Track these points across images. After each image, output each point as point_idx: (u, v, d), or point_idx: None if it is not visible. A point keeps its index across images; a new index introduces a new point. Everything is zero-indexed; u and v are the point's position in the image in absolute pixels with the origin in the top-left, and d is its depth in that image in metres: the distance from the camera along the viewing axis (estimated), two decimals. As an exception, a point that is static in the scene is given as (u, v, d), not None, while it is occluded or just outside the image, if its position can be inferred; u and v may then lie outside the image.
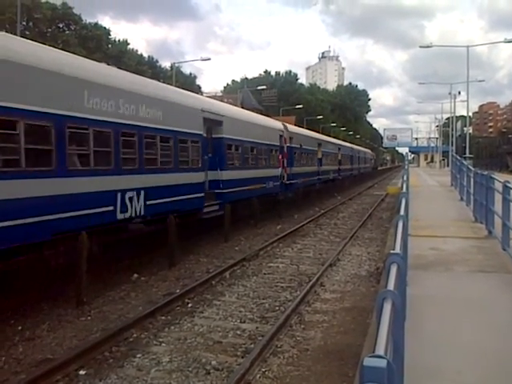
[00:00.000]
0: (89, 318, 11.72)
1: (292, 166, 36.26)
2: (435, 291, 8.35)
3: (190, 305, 12.72)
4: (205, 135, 21.62)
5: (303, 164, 40.50)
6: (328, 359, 9.39)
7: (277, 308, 12.51)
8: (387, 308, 3.39)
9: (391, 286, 3.88)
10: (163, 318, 11.64)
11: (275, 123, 35.28)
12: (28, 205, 11.20)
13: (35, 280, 12.03)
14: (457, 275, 9.34)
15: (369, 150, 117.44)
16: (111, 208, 14.39)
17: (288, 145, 35.60)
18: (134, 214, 15.50)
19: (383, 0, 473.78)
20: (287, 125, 36.98)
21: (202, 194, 20.59)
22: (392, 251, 4.94)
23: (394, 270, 4.37)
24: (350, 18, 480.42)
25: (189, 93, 24.03)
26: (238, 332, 10.77)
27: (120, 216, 14.83)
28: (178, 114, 18.96)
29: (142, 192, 15.93)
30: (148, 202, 16.25)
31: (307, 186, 40.96)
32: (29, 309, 11.83)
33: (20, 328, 10.87)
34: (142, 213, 16.04)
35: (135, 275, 15.35)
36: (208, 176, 21.93)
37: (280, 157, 33.47)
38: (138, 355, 9.44)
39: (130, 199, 15.33)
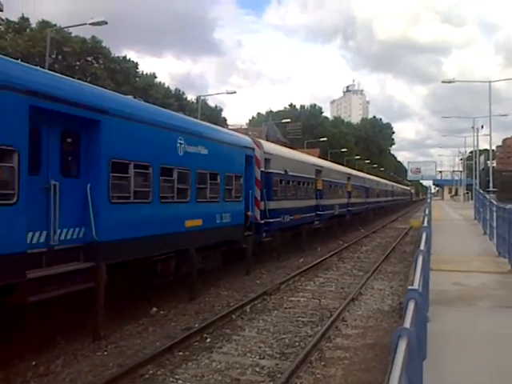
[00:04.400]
0: (105, 352, 11.55)
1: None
2: (457, 327, 8.14)
3: (208, 340, 12.51)
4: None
5: (366, 196, 58.15)
6: (348, 398, 9.16)
7: (297, 344, 12.25)
8: (402, 347, 3.25)
9: (407, 323, 3.75)
10: (181, 353, 11.44)
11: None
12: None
13: (51, 313, 11.91)
14: (480, 311, 9.12)
15: (408, 188, 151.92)
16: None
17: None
18: None
19: (399, 37, 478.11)
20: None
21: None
22: (410, 287, 4.81)
23: (411, 306, 4.24)
24: (368, 54, 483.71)
25: None
26: (257, 369, 10.54)
27: None
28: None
29: None
30: None
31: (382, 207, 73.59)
32: (44, 343, 11.62)
33: (34, 363, 10.65)
34: None
35: (154, 309, 15.20)
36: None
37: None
38: (154, 392, 9.28)
39: None
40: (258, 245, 23.89)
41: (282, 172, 26.98)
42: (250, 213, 22.12)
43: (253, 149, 23.39)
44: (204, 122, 24.13)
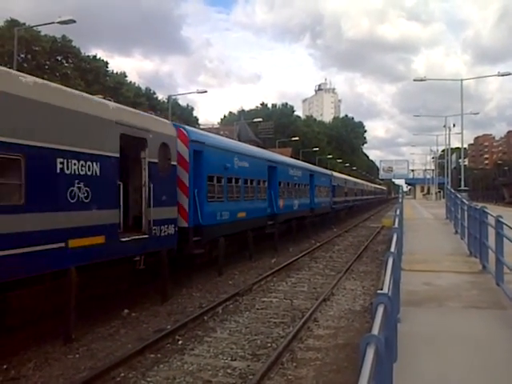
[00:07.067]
0: (77, 355, 11.45)
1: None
2: (428, 328, 8.18)
3: (180, 342, 12.47)
4: None
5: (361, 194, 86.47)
6: (319, 399, 9.18)
7: (269, 345, 12.27)
8: (370, 355, 3.24)
9: (376, 330, 3.74)
10: (152, 355, 11.38)
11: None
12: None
13: (23, 316, 11.76)
14: (450, 311, 9.17)
15: (384, 187, 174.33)
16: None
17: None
18: None
19: (367, 35, 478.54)
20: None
21: None
22: (379, 291, 4.80)
23: (380, 311, 4.22)
24: (336, 53, 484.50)
25: None
26: (229, 370, 10.53)
27: None
28: None
29: None
30: None
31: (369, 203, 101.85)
32: (15, 346, 11.47)
33: (5, 367, 10.55)
34: None
35: (126, 311, 15.10)
36: None
37: None
38: (125, 396, 9.21)
39: None
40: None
41: (336, 184, 54.60)
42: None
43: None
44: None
